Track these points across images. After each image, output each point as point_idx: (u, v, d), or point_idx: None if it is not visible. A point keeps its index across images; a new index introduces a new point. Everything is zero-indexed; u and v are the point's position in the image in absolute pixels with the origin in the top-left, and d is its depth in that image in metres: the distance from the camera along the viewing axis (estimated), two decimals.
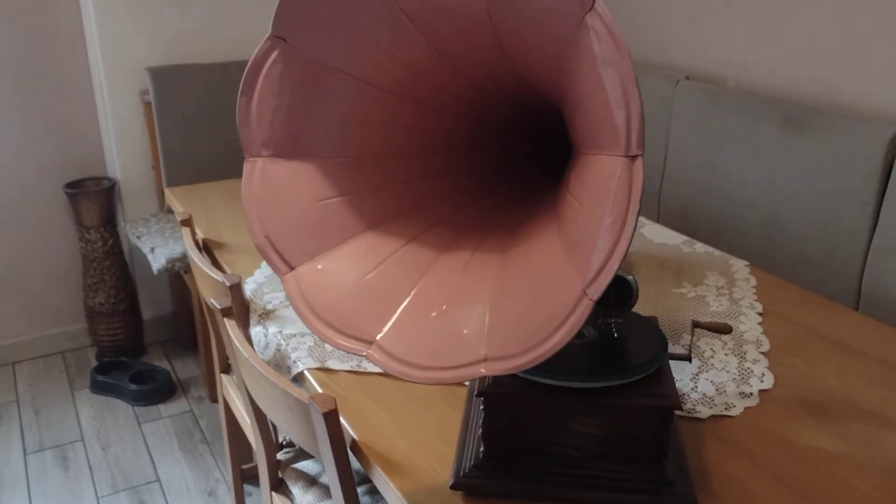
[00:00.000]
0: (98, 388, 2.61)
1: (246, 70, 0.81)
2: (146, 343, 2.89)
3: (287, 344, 1.35)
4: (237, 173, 2.58)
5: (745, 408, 1.16)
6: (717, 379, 1.23)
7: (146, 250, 2.45)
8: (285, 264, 0.84)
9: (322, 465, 1.52)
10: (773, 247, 2.03)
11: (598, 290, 0.68)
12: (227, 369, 1.89)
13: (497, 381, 0.97)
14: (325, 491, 1.45)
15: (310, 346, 1.33)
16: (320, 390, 1.23)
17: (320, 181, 0.85)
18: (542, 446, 1.00)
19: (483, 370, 0.75)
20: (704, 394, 1.19)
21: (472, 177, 0.93)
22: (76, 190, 2.60)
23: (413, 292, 0.83)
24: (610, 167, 0.68)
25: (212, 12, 2.67)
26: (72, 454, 2.31)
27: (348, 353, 0.80)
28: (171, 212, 2.69)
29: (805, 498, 0.98)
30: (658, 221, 2.39)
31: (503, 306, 0.77)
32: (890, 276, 1.79)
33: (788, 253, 2.00)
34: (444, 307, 0.81)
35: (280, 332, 1.39)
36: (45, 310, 2.81)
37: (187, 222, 1.74)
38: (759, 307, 1.45)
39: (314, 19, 0.79)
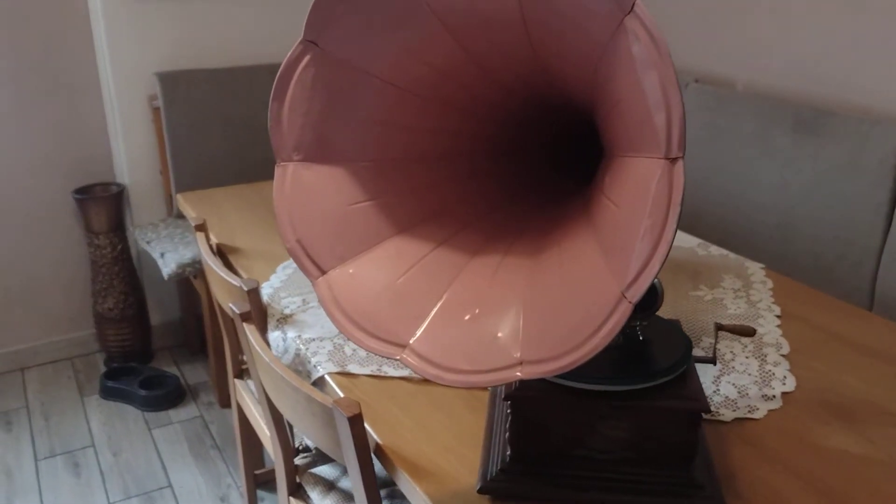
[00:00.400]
0: (108, 393, 2.61)
1: (278, 75, 0.81)
2: (154, 349, 2.89)
3: (307, 348, 1.35)
4: (247, 178, 2.59)
5: (769, 410, 1.16)
6: (738, 382, 1.23)
7: (156, 255, 2.45)
8: (317, 268, 0.84)
9: (340, 470, 1.52)
10: (785, 249, 2.03)
11: (637, 293, 0.68)
12: (240, 374, 1.89)
13: (524, 384, 0.97)
14: (344, 496, 1.44)
15: (329, 351, 1.33)
16: (341, 394, 1.23)
17: (349, 185, 0.85)
18: (569, 450, 1.00)
19: (519, 374, 0.74)
20: (727, 397, 1.19)
21: (496, 180, 0.93)
22: (85, 196, 2.60)
23: (444, 296, 0.83)
24: (649, 169, 0.67)
25: (219, 18, 2.67)
26: (83, 460, 2.31)
27: (381, 356, 0.80)
28: (180, 217, 2.69)
29: (833, 501, 0.98)
30: None
31: (537, 310, 0.77)
32: None
33: (801, 255, 2.00)
34: (477, 311, 0.81)
35: (299, 336, 1.38)
36: (54, 316, 2.81)
37: (202, 227, 1.74)
38: (777, 310, 1.45)
39: (346, 23, 0.79)
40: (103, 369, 2.77)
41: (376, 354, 0.80)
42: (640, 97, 0.67)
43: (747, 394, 1.20)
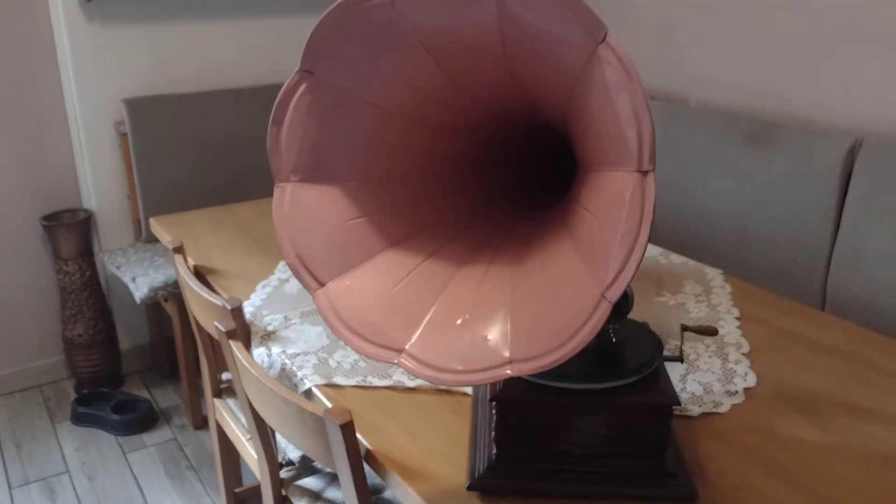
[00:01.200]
0: (79, 419, 2.60)
1: (276, 102, 0.87)
2: (124, 373, 2.89)
3: (292, 363, 1.40)
4: (215, 201, 2.62)
5: (732, 405, 1.24)
6: (703, 379, 1.31)
7: (127, 280, 2.46)
8: (315, 281, 0.89)
9: (325, 481, 1.56)
10: (741, 256, 2.14)
11: (615, 293, 0.75)
12: (219, 393, 1.92)
13: (508, 386, 1.04)
14: None
15: (314, 364, 1.38)
16: (329, 405, 1.28)
17: (344, 203, 0.91)
18: (552, 446, 1.06)
19: (509, 371, 0.81)
20: (693, 393, 1.27)
21: (480, 196, 1.00)
22: (53, 222, 2.61)
23: (436, 304, 0.89)
24: (623, 182, 0.75)
25: (184, 44, 2.71)
26: (58, 486, 2.30)
27: (379, 360, 0.85)
28: (148, 241, 2.70)
29: (795, 484, 1.06)
30: None
31: (523, 312, 0.84)
32: (852, 279, 1.90)
33: (756, 261, 2.10)
34: (467, 316, 0.87)
35: (284, 351, 1.43)
36: (22, 344, 2.80)
37: (179, 249, 1.77)
38: (737, 312, 1.54)
39: (339, 53, 0.86)
40: (73, 395, 2.76)
41: (375, 359, 0.86)
42: (613, 117, 0.74)
43: (712, 390, 1.28)
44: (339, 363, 1.38)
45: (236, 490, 2.04)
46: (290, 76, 0.87)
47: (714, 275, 1.70)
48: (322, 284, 0.90)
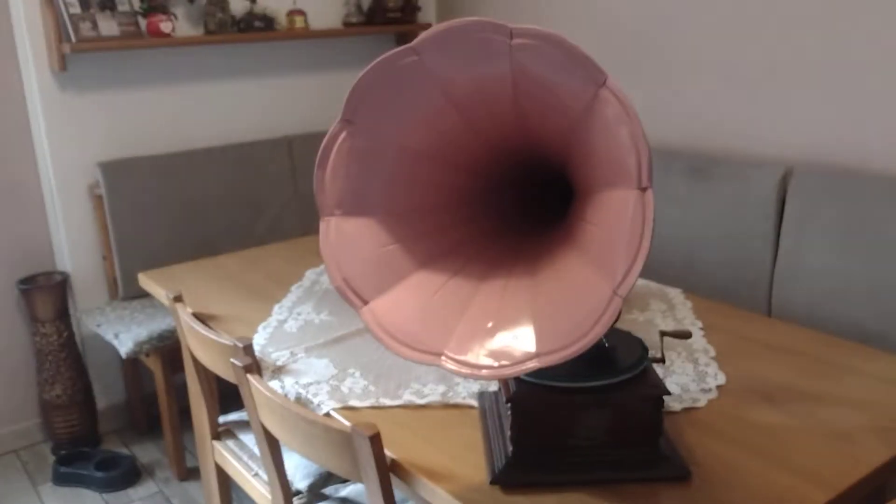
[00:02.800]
0: (62, 479, 2.62)
1: (321, 147, 1.01)
2: (101, 432, 2.92)
3: (306, 391, 1.51)
4: (191, 256, 2.71)
5: (709, 400, 1.41)
6: (680, 381, 1.47)
7: (109, 337, 2.53)
8: (360, 300, 1.03)
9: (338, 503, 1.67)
10: (690, 279, 2.34)
11: (626, 289, 0.92)
12: (218, 436, 2.00)
13: (521, 389, 1.19)
14: None
15: (328, 391, 1.50)
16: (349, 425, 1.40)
17: (380, 232, 1.06)
18: (561, 440, 1.21)
19: (537, 363, 0.96)
20: (673, 393, 1.43)
21: (491, 221, 1.15)
22: (30, 286, 2.66)
23: (466, 313, 1.04)
24: (626, 198, 0.92)
25: (156, 107, 2.83)
26: None
27: (423, 364, 0.99)
28: (125, 299, 2.77)
29: (770, 459, 1.23)
30: None
31: (544, 313, 0.99)
32: (793, 293, 2.12)
33: (705, 282, 2.31)
34: (494, 322, 1.02)
35: (297, 382, 1.55)
36: None
37: (179, 298, 1.87)
38: (700, 323, 1.72)
39: (375, 105, 1.01)
40: (51, 458, 2.77)
41: (418, 363, 1.00)
42: (616, 146, 0.91)
43: (689, 389, 1.45)
44: (350, 389, 1.50)
45: None
46: (333, 125, 1.01)
47: (675, 293, 1.89)
48: (366, 302, 1.03)
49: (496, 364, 0.97)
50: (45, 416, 2.78)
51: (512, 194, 1.20)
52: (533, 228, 1.18)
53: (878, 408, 1.36)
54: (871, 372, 1.48)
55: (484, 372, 0.97)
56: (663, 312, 1.78)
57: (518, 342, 0.98)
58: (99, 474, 2.58)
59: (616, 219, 0.93)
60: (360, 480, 1.33)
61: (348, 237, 1.04)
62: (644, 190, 0.90)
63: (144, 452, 2.81)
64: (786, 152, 2.29)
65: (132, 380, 2.90)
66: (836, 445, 1.26)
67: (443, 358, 0.99)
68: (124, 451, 2.81)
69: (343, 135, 1.02)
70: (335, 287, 1.04)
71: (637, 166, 0.90)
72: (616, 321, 1.27)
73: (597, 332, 0.93)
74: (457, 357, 0.99)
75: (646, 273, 2.46)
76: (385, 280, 1.05)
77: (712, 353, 1.58)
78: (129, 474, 2.62)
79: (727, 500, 1.14)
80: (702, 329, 1.69)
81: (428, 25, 3.29)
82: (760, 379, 1.48)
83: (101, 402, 2.91)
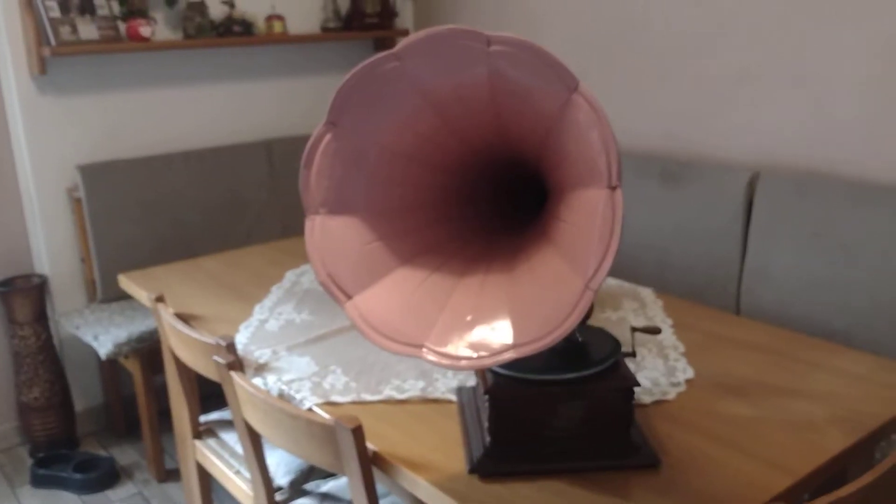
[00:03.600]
0: (40, 482, 2.62)
1: (307, 148, 1.05)
2: (79, 435, 2.92)
3: (289, 388, 1.55)
4: (168, 260, 2.73)
5: (678, 393, 1.46)
6: (650, 376, 1.53)
7: (89, 339, 2.54)
8: (344, 295, 1.07)
9: (317, 501, 1.70)
10: (663, 278, 2.40)
11: (597, 282, 0.96)
12: (199, 435, 2.03)
13: (499, 382, 1.23)
14: None
15: (310, 387, 1.54)
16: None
17: (363, 230, 1.10)
18: (537, 431, 1.25)
19: (514, 354, 1.00)
20: (644, 387, 1.49)
21: (469, 220, 1.20)
22: (8, 288, 2.66)
23: (446, 308, 1.08)
24: (597, 196, 0.97)
25: (134, 111, 2.85)
26: None
27: (404, 356, 1.03)
28: (104, 301, 2.78)
29: (737, 449, 1.28)
30: None
31: (520, 307, 1.04)
32: (761, 293, 2.18)
33: (676, 282, 2.37)
34: (473, 315, 1.06)
35: (279, 379, 1.58)
36: None
37: (161, 299, 1.90)
38: (670, 321, 1.78)
39: (358, 108, 1.05)
40: (29, 460, 2.77)
41: (400, 355, 1.04)
42: (587, 147, 0.96)
43: (659, 383, 1.50)
44: (332, 385, 1.54)
45: None
46: (317, 127, 1.06)
47: (646, 293, 1.95)
48: (350, 297, 1.07)
49: (475, 355, 1.02)
50: (22, 418, 2.78)
51: (489, 194, 1.25)
52: (509, 227, 1.23)
53: (839, 400, 1.42)
54: (834, 367, 1.55)
55: (463, 363, 1.01)
56: (635, 311, 1.84)
57: (495, 334, 1.03)
58: (78, 476, 2.59)
59: (588, 216, 0.98)
60: (342, 473, 1.37)
61: (333, 235, 1.08)
62: (614, 189, 0.95)
63: (123, 454, 2.82)
64: (753, 157, 2.37)
65: (110, 382, 2.91)
66: (799, 435, 1.32)
67: (424, 350, 1.04)
68: (102, 453, 2.82)
69: (328, 136, 1.06)
70: (320, 282, 1.07)
71: (607, 167, 0.95)
72: (589, 317, 1.32)
73: (570, 324, 0.97)
74: (437, 349, 1.03)
75: (619, 273, 2.52)
76: (368, 276, 1.09)
77: (682, 349, 1.64)
78: (108, 476, 2.63)
79: (695, 486, 1.19)
80: (672, 326, 1.75)
81: (405, 31, 3.34)
82: (727, 373, 1.54)
83: (79, 405, 2.92)
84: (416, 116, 1.08)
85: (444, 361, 1.02)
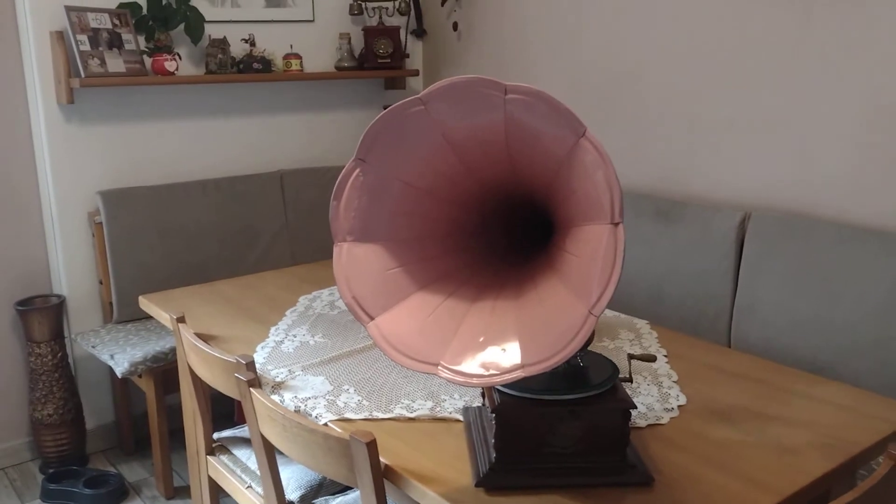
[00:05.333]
0: (50, 496, 2.70)
1: (337, 181, 1.17)
2: (89, 452, 3.00)
3: (305, 405, 1.64)
4: (184, 282, 2.84)
5: (671, 418, 1.56)
6: (646, 401, 1.63)
7: (105, 357, 2.63)
8: (367, 316, 1.18)
9: None
10: (657, 312, 2.51)
11: (600, 309, 1.07)
12: (212, 451, 2.12)
13: (505, 401, 1.33)
14: None
15: (325, 405, 1.63)
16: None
17: (385, 257, 1.21)
18: (539, 448, 1.35)
19: (522, 373, 1.11)
20: (640, 411, 1.58)
21: (482, 250, 1.31)
22: (28, 307, 2.76)
23: (459, 330, 1.18)
24: (601, 231, 1.08)
25: (155, 141, 2.97)
26: None
27: (421, 373, 1.14)
28: (120, 322, 2.88)
29: (725, 470, 1.38)
30: None
31: (528, 330, 1.15)
32: (750, 326, 2.29)
33: (670, 316, 2.48)
34: (484, 337, 1.17)
35: (295, 396, 1.68)
36: None
37: (182, 319, 2.00)
38: (664, 351, 1.88)
39: (384, 146, 1.17)
40: (40, 476, 2.85)
41: (417, 371, 1.14)
42: (593, 187, 1.08)
43: (653, 408, 1.60)
44: (345, 403, 1.64)
45: None
46: (348, 163, 1.17)
47: (642, 324, 2.05)
48: (372, 318, 1.18)
49: (486, 373, 1.12)
50: (35, 434, 2.86)
51: (501, 227, 1.36)
52: (519, 258, 1.34)
53: (821, 427, 1.52)
54: (816, 396, 1.65)
55: (475, 380, 1.11)
56: (631, 341, 1.94)
57: (505, 355, 1.13)
58: (87, 491, 2.66)
59: (592, 249, 1.09)
60: (356, 486, 1.46)
61: (358, 260, 1.19)
62: (616, 225, 1.07)
63: (131, 472, 2.90)
64: (744, 198, 2.49)
65: (121, 401, 2.99)
66: (783, 458, 1.41)
67: (439, 368, 1.14)
68: (112, 470, 2.90)
69: (356, 171, 1.17)
70: (346, 303, 1.18)
71: (611, 204, 1.06)
72: (590, 343, 1.43)
73: (574, 346, 1.08)
74: (451, 367, 1.14)
75: (616, 306, 2.62)
76: (389, 299, 1.20)
77: (675, 377, 1.74)
78: (117, 492, 2.71)
79: (685, 502, 1.29)
80: (666, 356, 1.85)
81: (415, 71, 3.48)
82: (718, 401, 1.64)
83: (90, 423, 3.00)
84: (436, 156, 1.20)
85: (458, 379, 1.13)
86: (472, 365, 1.13)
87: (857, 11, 2.17)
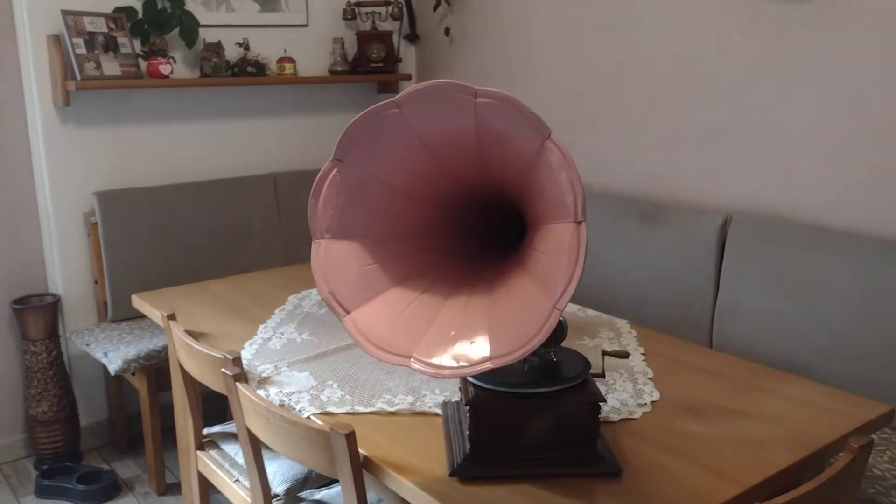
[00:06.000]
0: (44, 492, 2.74)
1: (315, 181, 1.22)
2: (83, 449, 3.04)
3: (289, 399, 1.69)
4: (179, 282, 2.89)
5: (643, 413, 1.61)
6: (620, 397, 1.68)
7: (98, 355, 2.68)
8: (343, 310, 1.22)
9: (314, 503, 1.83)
10: (640, 313, 2.56)
11: (563, 303, 1.12)
12: (201, 446, 2.16)
13: (479, 393, 1.38)
14: None
15: (308, 399, 1.68)
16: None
17: (362, 253, 1.26)
18: (512, 440, 1.40)
19: (490, 365, 1.16)
20: (613, 406, 1.63)
21: (457, 249, 1.36)
22: (24, 305, 2.81)
23: (433, 324, 1.23)
24: (565, 230, 1.13)
25: (150, 143, 3.03)
26: None
27: (394, 365, 1.19)
28: (114, 321, 2.93)
29: (691, 461, 1.43)
30: None
31: (497, 324, 1.19)
32: (731, 330, 2.34)
33: (653, 317, 2.53)
34: (456, 331, 1.22)
35: (280, 391, 1.73)
36: None
37: (172, 317, 2.05)
38: (642, 349, 1.93)
39: (360, 148, 1.22)
40: (34, 472, 2.90)
41: (391, 364, 1.19)
42: (557, 187, 1.13)
43: (627, 404, 1.65)
44: (329, 398, 1.69)
45: None
46: (326, 163, 1.22)
47: (622, 324, 2.10)
48: (348, 312, 1.23)
49: (456, 365, 1.17)
50: (29, 431, 2.91)
51: (477, 227, 1.41)
52: (495, 256, 1.39)
53: (788, 422, 1.57)
54: (786, 394, 1.70)
55: (446, 371, 1.16)
56: (610, 339, 1.99)
57: (475, 348, 1.18)
58: (81, 487, 2.71)
59: (556, 246, 1.14)
60: (336, 476, 1.51)
61: (335, 257, 1.24)
62: (579, 223, 1.12)
63: (124, 468, 2.94)
64: (726, 202, 2.54)
65: (115, 399, 3.04)
66: (749, 452, 1.46)
67: (412, 360, 1.19)
68: (105, 466, 2.94)
69: (334, 172, 1.22)
70: (322, 298, 1.23)
71: (574, 204, 1.11)
72: (563, 339, 1.48)
73: (539, 339, 1.13)
74: (424, 359, 1.19)
75: (599, 307, 2.67)
76: (365, 294, 1.24)
77: (650, 374, 1.79)
78: (110, 488, 2.76)
79: (652, 493, 1.33)
80: (643, 354, 1.90)
81: (407, 75, 3.53)
82: (691, 397, 1.68)
83: (84, 420, 3.05)
84: (411, 156, 1.25)
85: (429, 370, 1.17)
86: (443, 357, 1.18)
87: (833, 25, 2.22)
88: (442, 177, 1.29)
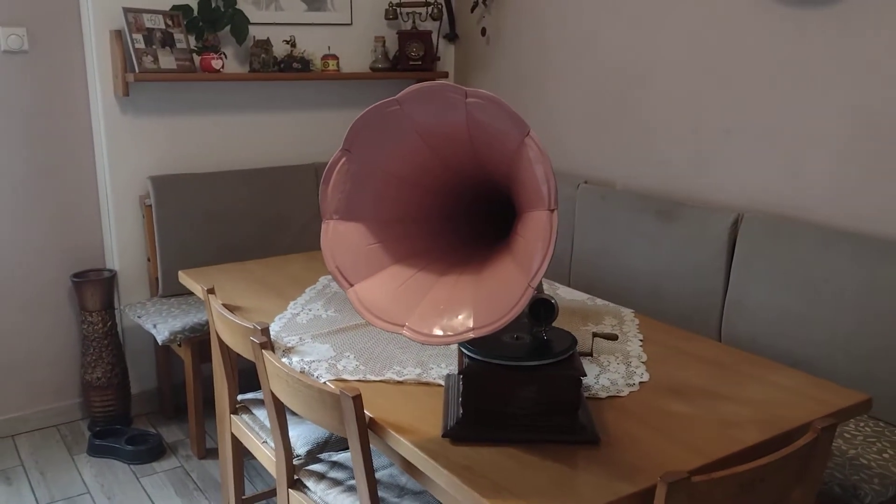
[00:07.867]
0: (96, 451, 2.99)
1: (326, 168, 1.38)
2: (133, 414, 3.29)
3: (309, 367, 1.87)
4: (224, 261, 3.10)
5: (630, 391, 1.74)
6: (611, 377, 1.81)
7: (148, 326, 2.91)
8: (347, 283, 1.39)
9: (327, 466, 2.01)
10: (655, 306, 2.67)
11: (536, 282, 1.26)
12: (235, 411, 2.36)
13: (472, 364, 1.53)
14: (331, 482, 1.93)
15: (326, 367, 1.85)
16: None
17: (366, 233, 1.42)
18: (501, 408, 1.54)
19: (473, 335, 1.30)
20: (603, 385, 1.76)
21: (451, 232, 1.51)
22: (83, 279, 3.06)
23: (426, 298, 1.39)
24: (541, 217, 1.27)
25: (202, 132, 3.25)
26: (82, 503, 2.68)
27: (389, 332, 1.34)
28: (164, 296, 3.15)
29: (666, 436, 1.55)
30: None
31: (481, 300, 1.34)
32: (739, 323, 2.44)
33: (667, 309, 2.64)
34: (446, 306, 1.37)
35: (302, 359, 1.90)
36: (44, 386, 3.19)
37: (212, 291, 2.25)
38: (641, 336, 2.05)
39: (366, 139, 1.38)
40: (88, 433, 3.15)
41: (386, 331, 1.35)
42: (534, 179, 1.27)
43: (617, 383, 1.78)
44: (344, 367, 1.85)
45: (243, 497, 2.45)
46: (335, 153, 1.39)
47: (627, 312, 2.23)
48: (352, 285, 1.39)
49: (443, 334, 1.32)
50: (85, 395, 3.16)
51: (473, 214, 1.56)
52: (487, 241, 1.54)
53: (765, 406, 1.68)
54: (770, 380, 1.80)
55: (433, 339, 1.31)
56: (613, 326, 2.12)
57: (460, 320, 1.34)
58: (129, 448, 2.94)
59: (534, 232, 1.28)
60: (345, 435, 1.67)
61: (342, 236, 1.40)
62: (552, 211, 1.26)
63: (169, 433, 3.18)
64: (738, 201, 2.63)
65: (163, 369, 3.27)
66: (723, 430, 1.58)
67: (405, 328, 1.35)
68: (152, 430, 3.18)
69: (342, 160, 1.39)
70: (329, 271, 1.39)
71: (548, 194, 1.26)
72: (554, 319, 1.62)
73: (514, 313, 1.27)
74: (415, 328, 1.34)
75: (616, 298, 2.79)
76: (367, 269, 1.41)
77: (644, 358, 1.91)
78: (156, 450, 2.99)
79: (625, 460, 1.46)
80: (641, 340, 2.02)
81: (444, 73, 3.68)
82: (679, 381, 1.80)
83: (135, 388, 3.29)
84: (412, 148, 1.40)
85: (420, 338, 1.33)
86: (433, 327, 1.34)
87: (847, 30, 2.30)
88: (440, 167, 1.44)
